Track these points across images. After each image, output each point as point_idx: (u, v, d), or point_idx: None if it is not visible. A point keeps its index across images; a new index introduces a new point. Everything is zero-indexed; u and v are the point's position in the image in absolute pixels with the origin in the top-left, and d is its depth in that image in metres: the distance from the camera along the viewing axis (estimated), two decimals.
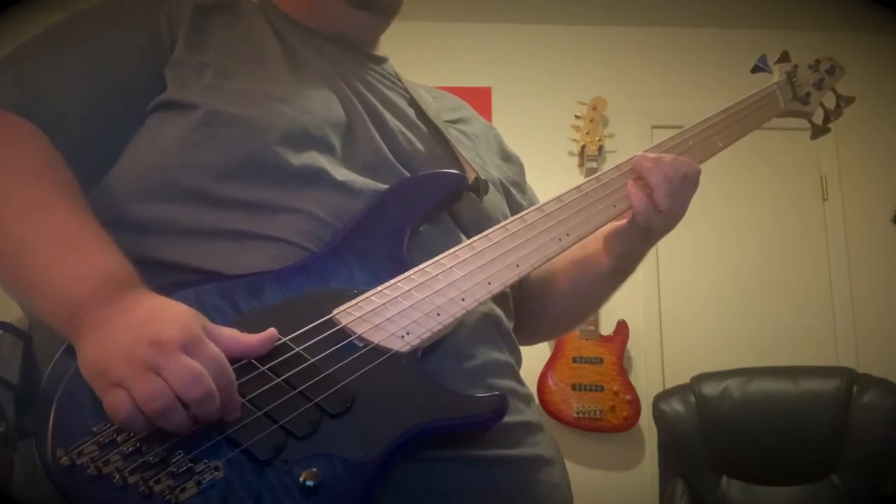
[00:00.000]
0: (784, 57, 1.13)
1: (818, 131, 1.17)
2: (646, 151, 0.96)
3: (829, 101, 1.16)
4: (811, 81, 1.14)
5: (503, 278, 0.83)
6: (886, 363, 2.99)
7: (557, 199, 0.90)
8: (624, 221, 0.95)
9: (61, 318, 0.68)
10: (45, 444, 0.62)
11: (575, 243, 0.90)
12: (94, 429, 0.63)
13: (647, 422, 3.00)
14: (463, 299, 0.80)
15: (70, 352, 0.67)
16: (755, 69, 1.13)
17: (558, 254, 0.88)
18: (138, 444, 0.62)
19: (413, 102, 0.99)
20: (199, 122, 0.81)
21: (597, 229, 0.92)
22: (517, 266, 0.84)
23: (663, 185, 0.91)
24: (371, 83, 0.96)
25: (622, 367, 3.07)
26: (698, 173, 0.95)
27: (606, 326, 3.11)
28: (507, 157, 1.12)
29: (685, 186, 0.93)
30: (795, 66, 1.13)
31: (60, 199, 0.75)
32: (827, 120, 1.16)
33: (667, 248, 3.26)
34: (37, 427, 0.63)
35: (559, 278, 1.05)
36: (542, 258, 0.87)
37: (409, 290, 0.78)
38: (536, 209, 0.89)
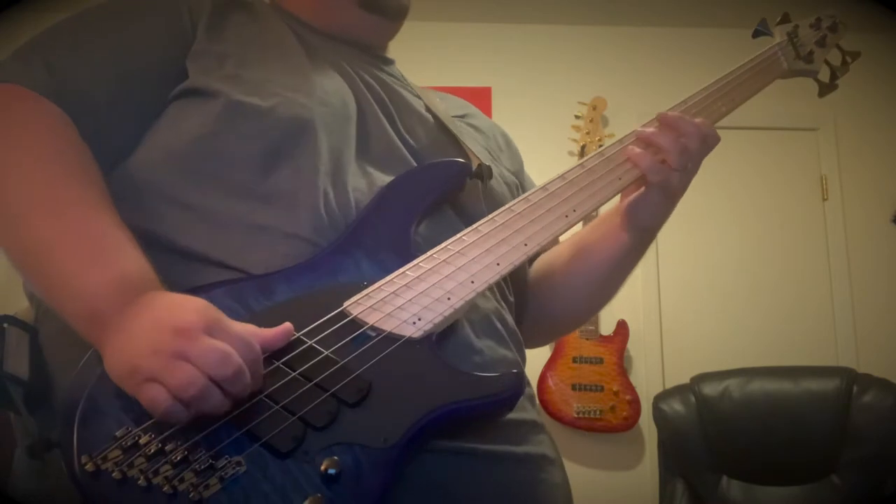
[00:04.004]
0: (785, 18, 1.12)
1: (825, 88, 1.16)
2: (645, 124, 0.96)
3: (835, 57, 1.15)
4: (813, 40, 1.12)
5: (511, 258, 0.83)
6: (886, 363, 2.99)
7: (561, 177, 0.90)
8: (640, 191, 0.95)
9: (83, 322, 0.69)
10: (71, 451, 0.63)
11: (581, 218, 0.90)
12: (117, 433, 0.63)
13: (647, 422, 3.00)
14: (473, 282, 0.80)
15: (94, 359, 0.68)
16: (756, 33, 1.12)
17: (565, 230, 0.89)
18: (161, 445, 0.63)
19: (420, 99, 1.01)
20: (220, 111, 0.82)
21: (603, 203, 0.92)
22: (525, 245, 0.85)
23: (675, 143, 0.91)
24: (382, 80, 0.97)
25: (622, 367, 3.07)
26: (717, 139, 0.95)
27: (606, 326, 3.12)
28: (513, 154, 1.13)
29: (704, 148, 0.94)
30: (796, 26, 1.12)
31: (89, 199, 0.75)
32: (833, 77, 1.15)
33: (667, 248, 3.26)
34: (61, 436, 0.64)
35: (559, 272, 1.04)
36: (549, 236, 0.87)
37: (418, 277, 0.78)
38: (540, 189, 0.89)
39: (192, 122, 0.82)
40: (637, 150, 0.92)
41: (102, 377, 0.66)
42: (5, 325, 0.77)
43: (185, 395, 0.62)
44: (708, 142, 0.94)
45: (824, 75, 1.15)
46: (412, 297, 0.76)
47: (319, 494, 0.64)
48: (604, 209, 0.99)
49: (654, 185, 0.92)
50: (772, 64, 1.09)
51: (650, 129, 0.93)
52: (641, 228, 0.97)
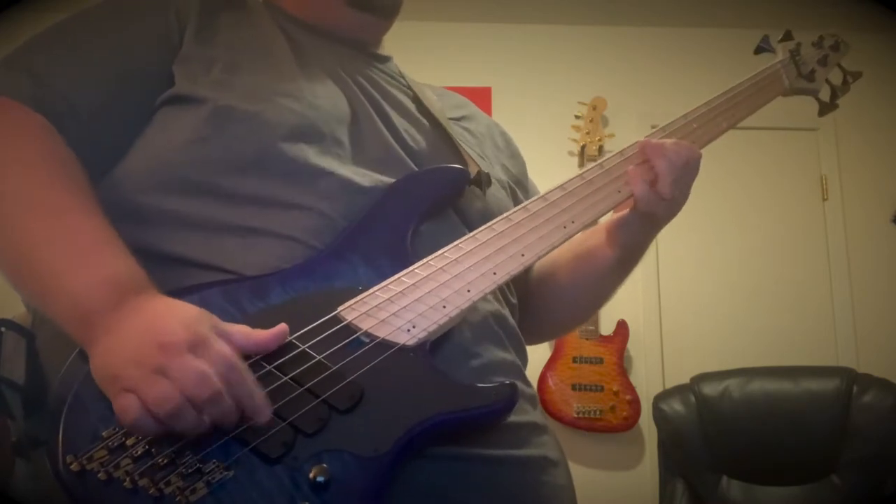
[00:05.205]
0: (787, 35, 1.12)
1: (825, 108, 1.16)
2: (649, 136, 0.95)
3: (836, 77, 1.15)
4: (815, 58, 1.12)
5: (508, 268, 0.83)
6: (886, 363, 2.99)
7: (560, 187, 0.90)
8: (626, 211, 0.95)
9: (72, 323, 0.69)
10: (56, 450, 0.62)
11: (580, 230, 0.89)
12: (104, 433, 0.63)
13: (647, 422, 3.00)
14: (468, 290, 0.79)
15: (80, 358, 0.67)
16: (758, 50, 1.12)
17: (563, 241, 0.88)
18: (148, 447, 0.63)
19: (416, 99, 1.00)
20: (207, 117, 0.81)
21: (601, 215, 0.92)
22: (522, 255, 0.84)
23: (668, 172, 0.90)
24: (375, 80, 0.96)
25: (622, 367, 3.07)
26: (699, 158, 0.94)
27: (606, 326, 3.11)
28: (514, 155, 1.12)
29: (687, 172, 0.93)
30: (799, 44, 1.11)
31: (76, 202, 0.75)
32: (834, 96, 1.15)
33: (667, 248, 3.26)
34: (47, 434, 0.64)
35: (560, 274, 1.04)
36: (547, 247, 0.86)
37: (414, 284, 0.77)
38: (540, 198, 0.88)
39: (181, 128, 0.82)
40: (636, 172, 0.92)
41: (89, 376, 0.66)
42: (2, 329, 0.77)
43: (157, 411, 0.61)
44: (691, 166, 0.93)
45: (825, 94, 1.15)
46: (407, 304, 0.76)
47: (307, 503, 0.63)
48: (604, 219, 0.99)
49: (641, 213, 0.93)
50: (774, 81, 1.08)
51: (654, 149, 0.92)
52: (623, 247, 0.98)
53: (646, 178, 0.91)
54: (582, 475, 3.05)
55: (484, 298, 0.82)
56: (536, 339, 1.07)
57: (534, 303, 1.03)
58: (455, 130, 1.00)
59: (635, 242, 0.98)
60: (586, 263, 1.02)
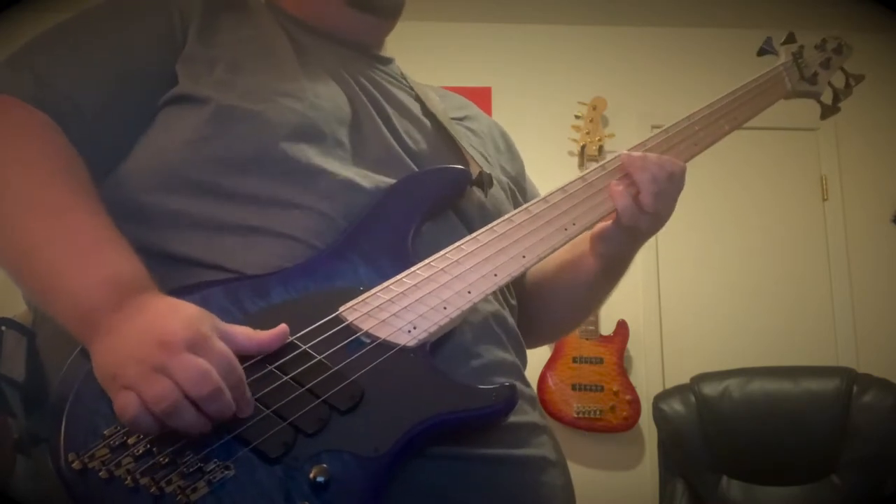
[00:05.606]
0: (790, 38, 1.12)
1: (828, 111, 1.15)
2: (651, 137, 0.95)
3: (838, 80, 1.15)
4: (818, 61, 1.12)
5: (509, 269, 0.83)
6: (886, 363, 2.99)
7: (561, 189, 0.90)
8: (609, 223, 0.95)
9: (75, 322, 0.69)
10: (58, 448, 0.62)
11: (581, 232, 0.90)
12: (105, 432, 0.63)
13: (647, 422, 3.00)
14: (469, 292, 0.79)
15: (81, 356, 0.68)
16: (761, 52, 1.11)
17: (565, 243, 0.88)
18: (149, 446, 0.63)
19: (419, 100, 1.00)
20: (209, 117, 0.82)
21: (602, 217, 0.92)
22: (523, 257, 0.84)
23: (650, 185, 0.90)
24: (377, 81, 0.97)
25: (622, 367, 3.07)
26: (684, 171, 0.94)
27: (606, 326, 3.11)
28: (513, 156, 1.12)
29: (672, 185, 0.92)
30: (801, 47, 1.11)
31: (78, 201, 0.75)
32: (836, 99, 1.15)
33: (667, 248, 3.26)
34: (49, 432, 0.64)
35: (550, 281, 1.05)
36: (548, 248, 0.86)
37: (415, 285, 0.78)
38: (541, 200, 0.89)
39: (183, 128, 0.82)
40: (619, 186, 0.91)
41: (91, 375, 0.66)
42: (3, 327, 0.77)
43: (156, 408, 0.62)
44: (675, 179, 0.92)
45: (827, 97, 1.14)
46: (408, 305, 0.76)
47: (307, 502, 0.64)
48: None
49: (624, 226, 0.92)
50: (776, 84, 1.08)
51: (636, 162, 0.92)
52: (605, 258, 0.98)
53: (629, 191, 0.91)
54: (582, 475, 3.05)
55: (485, 299, 0.82)
56: (532, 343, 1.07)
57: (529, 308, 1.03)
58: (459, 130, 1.00)
59: (617, 254, 0.98)
60: (570, 274, 1.02)
